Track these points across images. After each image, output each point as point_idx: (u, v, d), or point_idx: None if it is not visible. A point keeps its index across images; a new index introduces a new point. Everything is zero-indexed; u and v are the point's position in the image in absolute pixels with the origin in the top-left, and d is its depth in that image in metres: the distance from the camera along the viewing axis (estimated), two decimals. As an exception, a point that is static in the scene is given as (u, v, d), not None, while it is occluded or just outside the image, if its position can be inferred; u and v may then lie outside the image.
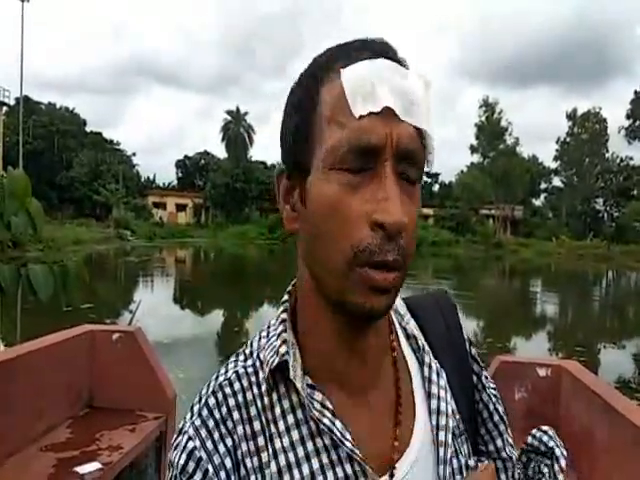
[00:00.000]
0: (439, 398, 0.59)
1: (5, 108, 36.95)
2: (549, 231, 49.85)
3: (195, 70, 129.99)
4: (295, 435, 0.53)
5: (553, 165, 58.88)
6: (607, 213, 57.18)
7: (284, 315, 0.59)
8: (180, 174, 63.08)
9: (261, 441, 0.53)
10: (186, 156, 62.94)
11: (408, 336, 0.63)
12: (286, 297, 0.61)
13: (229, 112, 53.85)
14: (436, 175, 65.66)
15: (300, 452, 0.53)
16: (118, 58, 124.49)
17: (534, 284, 23.71)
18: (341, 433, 0.52)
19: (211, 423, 0.54)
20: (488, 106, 52.30)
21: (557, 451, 0.65)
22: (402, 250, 0.48)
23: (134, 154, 59.01)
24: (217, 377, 0.58)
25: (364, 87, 0.47)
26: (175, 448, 0.54)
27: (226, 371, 0.58)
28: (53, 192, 48.66)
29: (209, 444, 0.53)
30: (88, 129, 57.21)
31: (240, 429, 0.54)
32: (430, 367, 0.61)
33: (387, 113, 0.47)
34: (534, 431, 0.68)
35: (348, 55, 0.50)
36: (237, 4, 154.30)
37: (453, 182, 53.65)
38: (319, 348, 0.56)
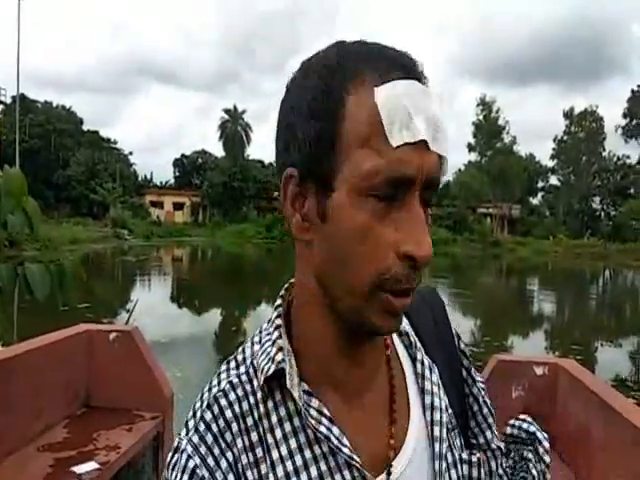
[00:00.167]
0: (432, 394, 0.60)
1: (1, 106, 36.85)
2: (546, 230, 49.97)
3: (193, 69, 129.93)
4: (293, 444, 0.53)
5: (550, 164, 59.19)
6: (604, 212, 57.33)
7: (278, 321, 0.58)
8: (177, 173, 63.01)
9: (259, 452, 0.53)
10: (183, 155, 62.91)
11: (400, 333, 0.63)
12: (279, 302, 0.60)
13: (227, 111, 53.83)
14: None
15: (298, 461, 0.52)
16: (115, 56, 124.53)
17: (531, 282, 23.77)
18: (338, 440, 0.52)
19: (210, 438, 0.53)
20: (485, 104, 52.42)
21: (539, 435, 0.68)
22: (421, 276, 0.50)
23: (131, 153, 59.13)
24: (210, 388, 0.57)
25: (401, 116, 0.46)
26: (173, 468, 0.52)
27: (219, 382, 0.57)
28: (50, 191, 48.55)
29: (210, 461, 0.52)
30: (85, 128, 57.11)
31: (239, 441, 0.53)
32: (423, 363, 0.61)
33: (419, 144, 0.47)
34: (512, 421, 0.70)
35: (376, 68, 0.49)
36: (236, 2, 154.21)
37: (450, 181, 53.70)
38: (316, 354, 0.56)
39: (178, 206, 55.18)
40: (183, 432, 0.54)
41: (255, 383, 0.55)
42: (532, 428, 0.69)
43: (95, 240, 32.27)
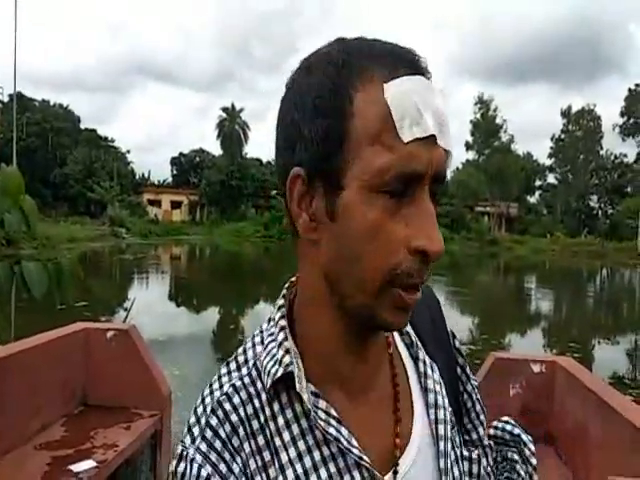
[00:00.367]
0: (435, 392, 0.60)
1: (-2, 105, 36.72)
2: (544, 228, 50.03)
3: (190, 67, 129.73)
4: (301, 446, 0.52)
5: (548, 162, 59.26)
6: (601, 210, 57.47)
7: (283, 322, 0.57)
8: (175, 171, 62.91)
9: (267, 456, 0.52)
10: (181, 153, 62.82)
11: (401, 332, 0.64)
12: (282, 301, 0.59)
13: (224, 109, 53.74)
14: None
15: (308, 462, 0.52)
16: (113, 55, 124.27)
17: (529, 281, 23.80)
18: (347, 441, 0.52)
19: (219, 444, 0.52)
20: (483, 103, 52.45)
21: (524, 437, 0.68)
22: (429, 270, 0.50)
23: (129, 151, 58.96)
24: (212, 392, 0.55)
25: (411, 111, 0.47)
26: (183, 478, 0.50)
27: (221, 385, 0.55)
28: (47, 189, 48.44)
29: (222, 467, 0.51)
30: (82, 126, 57.00)
31: (246, 445, 0.52)
32: (424, 362, 0.62)
33: (429, 139, 0.48)
34: (495, 423, 0.70)
35: (384, 64, 0.49)
36: (233, 1, 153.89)
37: (448, 179, 53.36)
38: (321, 352, 0.56)
39: (176, 205, 55.11)
40: (187, 439, 0.52)
41: (259, 385, 0.55)
42: (517, 430, 0.69)
43: (93, 239, 32.18)
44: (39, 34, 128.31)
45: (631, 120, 52.36)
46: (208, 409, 0.53)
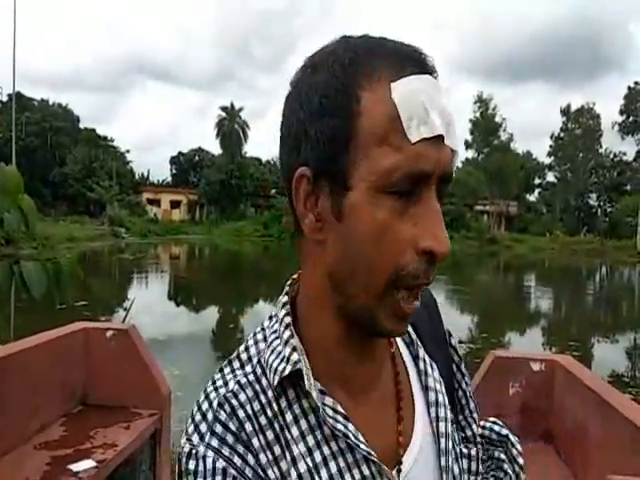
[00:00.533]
0: (435, 391, 0.61)
1: (-3, 104, 36.69)
2: (543, 227, 50.04)
3: (190, 66, 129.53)
4: (310, 441, 0.53)
5: (547, 161, 59.22)
6: (600, 208, 57.48)
7: (288, 319, 0.57)
8: (174, 171, 62.88)
9: (277, 450, 0.52)
10: (180, 152, 62.77)
11: None
12: (286, 299, 0.59)
13: (224, 108, 53.66)
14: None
15: (317, 457, 0.52)
16: (112, 54, 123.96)
17: (528, 279, 23.82)
18: (355, 436, 0.53)
19: (230, 438, 0.51)
20: (483, 102, 52.40)
21: (512, 438, 0.69)
22: (435, 271, 0.50)
23: (128, 151, 58.82)
24: (216, 389, 0.54)
25: (419, 111, 0.46)
26: (196, 474, 0.49)
27: (226, 382, 0.55)
28: (46, 189, 48.41)
29: (237, 460, 0.50)
30: (82, 125, 56.94)
31: (255, 441, 0.52)
32: (424, 361, 0.63)
33: (436, 139, 0.47)
34: (483, 423, 0.70)
35: (391, 63, 0.48)
36: (233, 0, 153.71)
37: (448, 178, 53.27)
38: (325, 351, 0.56)
39: (175, 204, 55.06)
40: (195, 437, 0.51)
41: (264, 382, 0.54)
42: (504, 431, 0.69)
43: (92, 238, 32.17)
44: (38, 33, 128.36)
45: (630, 118, 52.33)
46: (215, 404, 0.53)
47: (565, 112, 56.34)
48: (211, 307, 13.48)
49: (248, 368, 0.56)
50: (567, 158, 55.64)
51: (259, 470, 0.51)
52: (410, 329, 0.64)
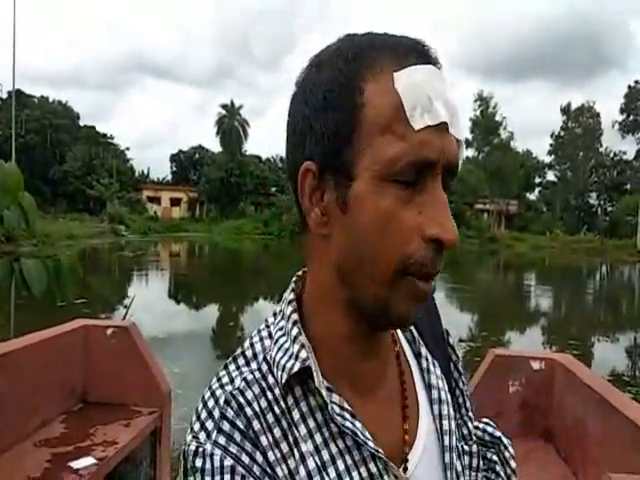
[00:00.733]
0: (438, 388, 0.62)
1: (-3, 102, 36.63)
2: (543, 225, 50.01)
3: (189, 64, 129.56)
4: (318, 438, 0.52)
5: (547, 159, 59.26)
6: (601, 207, 57.48)
7: (295, 316, 0.56)
8: (174, 168, 62.93)
9: (285, 447, 0.52)
10: (180, 150, 62.80)
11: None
12: (292, 296, 0.58)
13: (224, 106, 53.62)
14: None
15: (325, 455, 0.52)
16: (112, 51, 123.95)
17: (528, 278, 23.81)
18: (362, 434, 0.52)
19: (238, 436, 0.50)
20: (483, 100, 52.40)
21: (505, 440, 0.69)
22: (442, 261, 0.50)
23: (128, 148, 58.80)
24: (222, 386, 0.53)
25: (422, 99, 0.47)
26: (203, 472, 0.48)
27: (232, 379, 0.54)
28: (46, 186, 48.41)
29: (244, 458, 0.50)
30: (81, 123, 56.96)
31: (263, 439, 0.51)
32: (427, 358, 0.63)
33: (440, 127, 0.47)
34: (475, 423, 0.70)
35: (394, 54, 0.49)
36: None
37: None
38: (332, 348, 0.55)
39: (175, 202, 55.06)
40: (202, 435, 0.50)
41: (270, 379, 0.54)
42: (497, 433, 0.70)
43: (92, 236, 32.16)
44: (38, 31, 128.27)
45: (631, 117, 52.34)
46: (221, 401, 0.52)
47: (565, 111, 56.33)
48: (211, 305, 13.48)
49: (254, 365, 0.55)
50: (567, 157, 55.64)
51: (267, 468, 0.50)
52: (412, 327, 0.64)
